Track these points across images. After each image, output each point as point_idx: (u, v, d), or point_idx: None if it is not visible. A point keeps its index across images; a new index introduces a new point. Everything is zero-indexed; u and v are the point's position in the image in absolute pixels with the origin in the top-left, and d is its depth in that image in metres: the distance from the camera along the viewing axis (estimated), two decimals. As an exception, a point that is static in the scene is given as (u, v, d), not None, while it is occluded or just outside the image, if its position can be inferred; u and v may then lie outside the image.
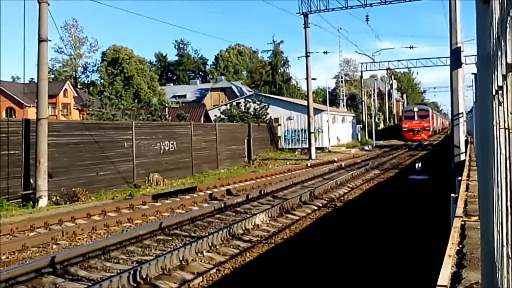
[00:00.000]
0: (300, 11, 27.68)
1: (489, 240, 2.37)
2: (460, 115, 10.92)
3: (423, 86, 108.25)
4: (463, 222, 4.30)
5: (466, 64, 18.76)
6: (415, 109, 50.98)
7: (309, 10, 27.56)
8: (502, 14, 1.07)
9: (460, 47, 10.52)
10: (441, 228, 5.96)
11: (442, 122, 79.41)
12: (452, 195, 6.04)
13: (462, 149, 10.85)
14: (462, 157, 10.61)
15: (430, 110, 53.70)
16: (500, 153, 1.28)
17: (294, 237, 8.79)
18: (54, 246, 8.69)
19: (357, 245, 7.91)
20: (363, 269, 6.73)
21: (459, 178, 7.40)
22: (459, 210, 4.76)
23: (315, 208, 11.64)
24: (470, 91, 28.22)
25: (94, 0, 16.95)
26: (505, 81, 1.08)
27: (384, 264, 6.86)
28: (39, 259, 7.28)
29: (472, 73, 14.72)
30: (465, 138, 13.69)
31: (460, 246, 3.59)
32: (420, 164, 18.17)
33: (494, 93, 1.57)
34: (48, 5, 13.98)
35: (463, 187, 6.25)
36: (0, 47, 66.64)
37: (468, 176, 7.55)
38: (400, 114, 65.90)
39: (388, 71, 63.05)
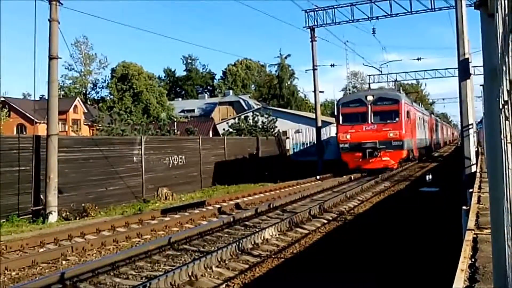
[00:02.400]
0: (307, 25, 27.86)
1: (501, 253, 2.33)
2: (470, 126, 10.82)
3: (432, 98, 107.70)
4: (475, 235, 4.23)
5: (474, 75, 18.72)
6: (369, 97, 23.48)
7: (316, 24, 27.73)
8: (505, 30, 1.07)
9: (468, 58, 10.47)
10: (452, 241, 5.87)
11: (452, 133, 78.36)
12: (464, 207, 5.96)
13: (473, 160, 10.73)
14: (473, 168, 10.48)
15: (403, 100, 24.02)
16: (509, 167, 1.27)
17: (304, 252, 8.70)
18: (64, 262, 8.70)
19: (368, 260, 7.81)
20: (375, 284, 6.63)
21: (470, 190, 7.31)
22: (471, 223, 4.69)
23: (325, 221, 11.54)
24: (479, 101, 28.13)
25: (104, 18, 17.23)
26: (510, 96, 1.07)
27: (396, 279, 6.75)
28: (49, 276, 7.29)
29: (480, 85, 14.66)
30: (476, 149, 13.56)
31: (473, 260, 3.53)
32: (430, 176, 17.99)
33: (501, 106, 1.57)
34: (59, 23, 14.25)
35: (474, 199, 6.17)
36: (1, 61, 67.88)
37: (480, 188, 7.46)
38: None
39: (396, 83, 62.92)
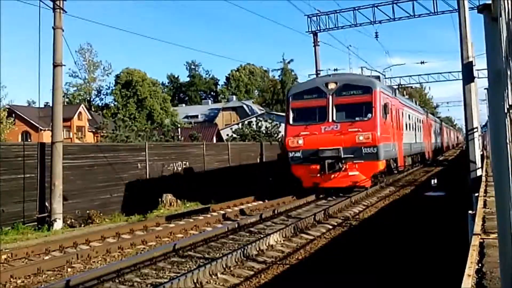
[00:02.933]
0: (309, 30, 27.91)
1: (508, 258, 2.31)
2: (475, 130, 10.79)
3: (436, 101, 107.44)
4: (481, 240, 4.20)
5: (478, 78, 18.66)
6: (330, 85, 16.83)
7: (318, 28, 27.78)
8: (509, 34, 1.06)
9: (471, 62, 10.46)
10: (459, 246, 5.82)
11: (457, 137, 77.76)
12: (470, 212, 5.92)
13: (478, 164, 10.68)
14: (479, 172, 10.43)
15: (379, 89, 16.73)
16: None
17: (309, 258, 8.66)
18: (69, 270, 8.70)
19: (374, 266, 7.76)
20: (380, 289, 6.57)
21: (476, 194, 7.26)
22: (477, 228, 4.65)
23: (330, 227, 11.49)
24: (484, 105, 27.93)
25: (108, 25, 17.36)
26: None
27: (403, 285, 6.70)
28: (54, 283, 7.30)
29: (485, 88, 14.62)
30: (481, 152, 13.49)
31: (479, 265, 3.50)
32: (436, 180, 17.89)
33: (506, 110, 1.56)
34: (63, 31, 14.36)
35: (480, 203, 6.13)
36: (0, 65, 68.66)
37: (485, 192, 7.41)
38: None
39: (400, 86, 62.81)
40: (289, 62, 64.47)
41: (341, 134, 15.95)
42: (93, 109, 66.65)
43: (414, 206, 14.25)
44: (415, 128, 27.05)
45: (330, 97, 16.46)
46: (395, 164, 19.88)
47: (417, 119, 28.64)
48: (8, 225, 12.69)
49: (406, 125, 23.37)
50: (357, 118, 16.21)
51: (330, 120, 16.31)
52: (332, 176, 15.94)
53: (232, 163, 24.54)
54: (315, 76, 27.81)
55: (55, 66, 14.35)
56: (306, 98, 17.06)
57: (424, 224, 11.03)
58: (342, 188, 16.26)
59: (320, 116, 16.64)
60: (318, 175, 16.04)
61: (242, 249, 8.59)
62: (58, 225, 13.40)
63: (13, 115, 45.18)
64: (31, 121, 47.69)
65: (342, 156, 15.73)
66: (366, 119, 16.09)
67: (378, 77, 20.17)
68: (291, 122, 17.24)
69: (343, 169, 15.82)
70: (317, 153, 16.01)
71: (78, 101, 66.21)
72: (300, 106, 17.22)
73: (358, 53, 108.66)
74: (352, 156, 15.74)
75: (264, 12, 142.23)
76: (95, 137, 49.86)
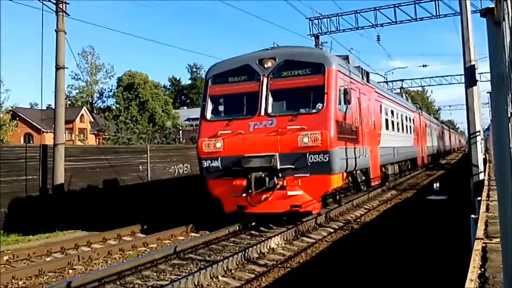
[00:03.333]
0: (311, 33, 27.93)
1: (511, 263, 2.30)
2: (477, 133, 10.76)
3: (438, 104, 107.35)
4: (484, 245, 4.18)
5: (481, 81, 18.64)
6: (266, 63, 11.54)
7: (320, 31, 27.80)
8: (513, 38, 1.06)
9: (474, 65, 10.44)
10: (461, 250, 5.80)
11: (459, 140, 77.49)
12: (472, 216, 5.90)
13: (481, 168, 10.65)
14: (481, 176, 10.39)
15: (334, 66, 11.25)
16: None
17: (310, 261, 8.63)
18: (70, 271, 8.70)
19: (376, 270, 7.73)
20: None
21: (479, 198, 7.24)
22: (480, 232, 4.64)
23: (331, 230, 11.46)
24: (486, 108, 27.85)
25: (111, 28, 17.43)
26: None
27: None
28: (56, 285, 7.29)
29: (487, 92, 14.59)
30: (484, 156, 13.45)
31: (482, 269, 3.48)
32: (438, 184, 17.84)
33: (509, 114, 1.55)
34: (65, 33, 14.41)
35: (483, 207, 6.11)
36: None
37: (488, 196, 7.39)
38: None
39: (402, 90, 62.80)
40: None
41: (277, 134, 10.71)
42: (95, 112, 66.82)
43: (416, 210, 14.21)
44: (403, 128, 22.58)
45: (265, 79, 11.27)
46: (364, 177, 14.54)
47: (406, 117, 23.63)
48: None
49: (387, 123, 18.63)
50: (302, 110, 11.02)
51: (263, 113, 11.08)
52: (263, 196, 10.63)
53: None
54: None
55: (57, 68, 14.40)
56: (232, 82, 11.81)
57: (426, 228, 10.99)
58: (275, 214, 11.13)
59: (250, 107, 11.43)
60: (244, 195, 10.66)
61: (243, 252, 8.57)
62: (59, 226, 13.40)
63: (17, 118, 45.36)
64: (34, 123, 47.86)
65: (278, 167, 10.53)
66: (314, 111, 10.87)
67: (346, 57, 14.08)
68: (208, 116, 11.92)
69: (278, 186, 10.57)
70: (239, 162, 10.77)
71: (80, 103, 66.43)
72: (221, 92, 11.98)
73: (360, 56, 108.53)
74: (293, 167, 10.54)
75: (266, 15, 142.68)
76: (97, 139, 49.97)
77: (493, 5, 2.09)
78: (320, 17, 27.55)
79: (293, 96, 11.40)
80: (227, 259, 8.04)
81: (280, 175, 10.68)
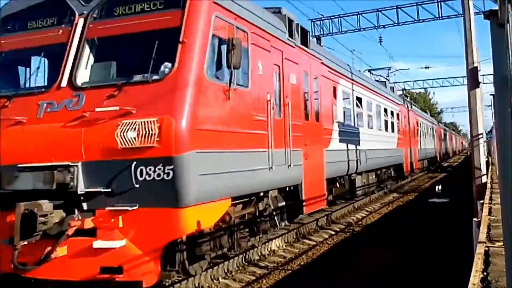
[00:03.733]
0: (313, 34, 27.94)
1: (515, 268, 2.26)
2: (480, 136, 10.71)
3: (441, 106, 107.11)
4: (486, 248, 4.15)
5: (483, 83, 18.54)
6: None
7: (322, 33, 27.83)
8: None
9: (476, 67, 10.40)
10: (464, 254, 5.76)
11: (461, 143, 77.24)
12: (475, 219, 5.87)
13: (483, 170, 10.60)
14: (484, 179, 10.35)
15: None
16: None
17: (311, 264, 8.60)
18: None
19: (376, 273, 7.69)
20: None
21: (481, 201, 7.20)
22: (482, 236, 4.61)
23: (333, 233, 11.42)
24: (489, 110, 27.78)
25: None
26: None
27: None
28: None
29: (490, 94, 14.54)
30: (486, 159, 13.39)
31: (485, 273, 3.45)
32: (440, 187, 17.80)
33: (513, 117, 1.52)
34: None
35: (485, 211, 6.08)
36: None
37: (491, 199, 7.36)
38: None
39: (404, 91, 62.67)
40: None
41: (82, 123, 5.85)
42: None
43: (418, 213, 14.17)
44: (381, 125, 17.95)
45: (81, 21, 6.58)
46: (289, 201, 9.46)
47: (386, 110, 18.83)
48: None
49: (349, 115, 13.79)
50: (136, 78, 6.06)
51: (65, 83, 6.27)
52: (46, 250, 5.49)
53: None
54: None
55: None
56: (31, 29, 7.03)
57: (428, 230, 10.95)
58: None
59: (49, 74, 6.99)
60: (12, 244, 5.43)
61: (244, 254, 8.54)
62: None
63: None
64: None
65: (79, 190, 5.67)
66: (156, 77, 5.94)
67: (279, 10, 9.53)
68: None
69: (73, 230, 5.49)
70: (2, 178, 5.77)
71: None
72: (7, 48, 7.14)
73: (362, 57, 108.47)
74: (108, 190, 5.64)
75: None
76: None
77: (496, 7, 2.06)
78: (322, 18, 27.61)
79: (129, 51, 6.66)
80: (228, 261, 8.02)
81: (85, 206, 5.73)
